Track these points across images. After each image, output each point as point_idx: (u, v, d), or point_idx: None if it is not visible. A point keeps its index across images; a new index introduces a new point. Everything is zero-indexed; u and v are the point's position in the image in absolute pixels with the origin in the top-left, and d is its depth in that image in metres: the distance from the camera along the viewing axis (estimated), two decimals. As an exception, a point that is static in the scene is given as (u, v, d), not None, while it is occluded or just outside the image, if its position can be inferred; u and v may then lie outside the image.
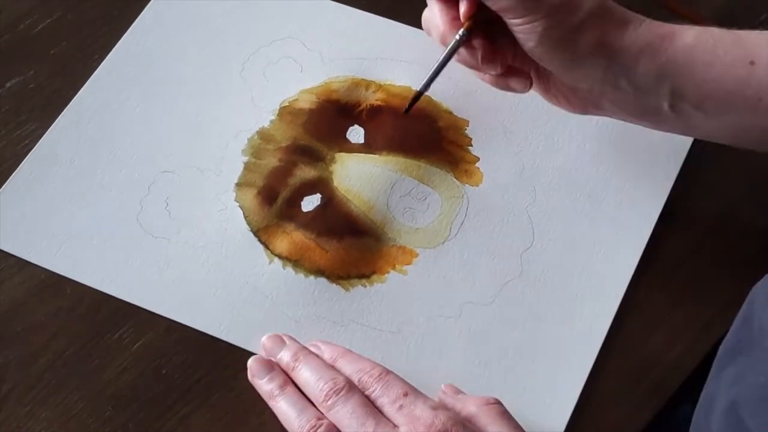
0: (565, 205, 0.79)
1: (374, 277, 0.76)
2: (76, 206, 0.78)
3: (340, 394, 0.67)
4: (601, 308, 0.74)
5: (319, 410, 0.68)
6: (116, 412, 0.71)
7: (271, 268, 0.75)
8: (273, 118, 0.82)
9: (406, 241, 0.77)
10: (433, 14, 0.75)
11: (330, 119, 0.82)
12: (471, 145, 0.81)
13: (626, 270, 0.76)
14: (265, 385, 0.70)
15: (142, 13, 0.87)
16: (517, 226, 0.78)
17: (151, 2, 0.87)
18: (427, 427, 0.65)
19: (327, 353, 0.71)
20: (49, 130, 0.81)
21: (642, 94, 0.72)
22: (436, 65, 0.74)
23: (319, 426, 0.67)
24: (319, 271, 0.75)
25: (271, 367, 0.71)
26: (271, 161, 0.80)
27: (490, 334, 0.73)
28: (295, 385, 0.70)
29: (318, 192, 0.79)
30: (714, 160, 0.81)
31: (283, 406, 0.69)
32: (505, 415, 0.68)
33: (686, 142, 0.81)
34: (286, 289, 0.75)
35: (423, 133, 0.82)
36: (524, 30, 0.71)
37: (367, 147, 0.81)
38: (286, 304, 0.74)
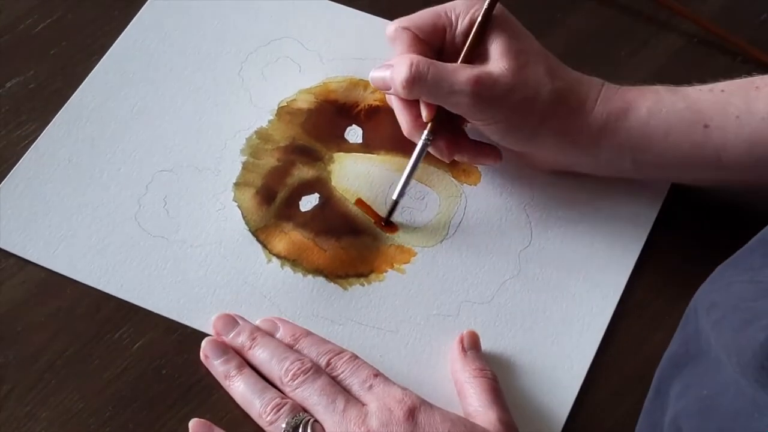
0: (563, 204, 0.79)
1: (372, 276, 0.76)
2: (74, 205, 0.78)
3: (308, 373, 0.68)
4: (600, 306, 0.75)
5: (280, 391, 0.68)
6: (116, 412, 0.71)
7: (270, 268, 0.75)
8: (271, 117, 0.82)
9: (404, 240, 0.77)
10: (397, 113, 0.78)
11: (328, 119, 0.82)
12: (469, 145, 0.81)
13: (624, 268, 0.76)
14: (219, 366, 0.70)
15: (140, 12, 0.87)
16: (515, 225, 0.78)
17: (148, 1, 0.88)
18: (396, 402, 0.66)
19: (285, 332, 0.72)
20: (46, 128, 0.81)
21: (605, 164, 0.76)
22: (407, 171, 0.76)
23: (283, 405, 0.67)
24: (317, 271, 0.75)
25: (227, 348, 0.71)
26: (270, 161, 0.80)
27: (488, 333, 0.73)
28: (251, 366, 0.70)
29: (316, 192, 0.79)
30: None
31: (241, 387, 0.69)
32: (495, 391, 0.68)
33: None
34: (284, 289, 0.75)
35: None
36: (486, 130, 0.75)
37: (366, 147, 0.81)
38: (285, 304, 0.74)
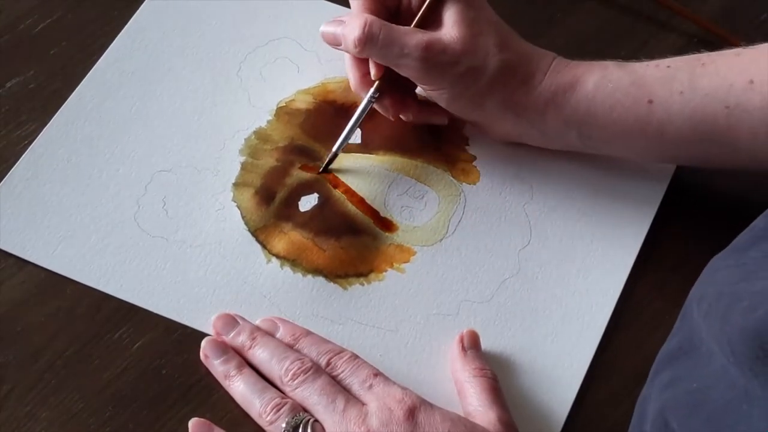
0: (562, 203, 0.79)
1: (372, 275, 0.76)
2: (73, 205, 0.78)
3: (308, 373, 0.68)
4: (599, 304, 0.75)
5: (280, 391, 0.68)
6: (116, 412, 0.70)
7: (269, 268, 0.75)
8: (270, 118, 0.82)
9: (404, 240, 0.77)
10: (347, 68, 0.80)
11: (327, 120, 0.82)
12: (468, 144, 0.81)
13: (624, 266, 0.76)
14: (220, 365, 0.70)
15: (138, 12, 0.87)
16: (515, 223, 0.78)
17: (146, 1, 0.87)
18: (396, 402, 0.66)
19: (285, 332, 0.72)
20: (45, 128, 0.81)
21: (552, 137, 0.77)
22: (349, 125, 0.78)
23: (283, 404, 0.67)
24: (316, 271, 0.75)
25: (226, 347, 0.71)
26: (269, 161, 0.80)
27: (488, 332, 0.73)
28: (251, 366, 0.70)
29: (315, 192, 0.79)
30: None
31: (241, 387, 0.69)
32: (494, 391, 0.68)
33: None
34: (284, 289, 0.75)
35: (420, 133, 0.82)
36: (433, 95, 0.76)
37: (364, 147, 0.81)
38: (284, 304, 0.74)
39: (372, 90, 0.78)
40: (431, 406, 0.66)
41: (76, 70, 0.84)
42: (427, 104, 0.79)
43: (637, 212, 0.78)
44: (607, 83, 0.74)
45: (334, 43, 0.77)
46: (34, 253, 0.76)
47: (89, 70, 0.84)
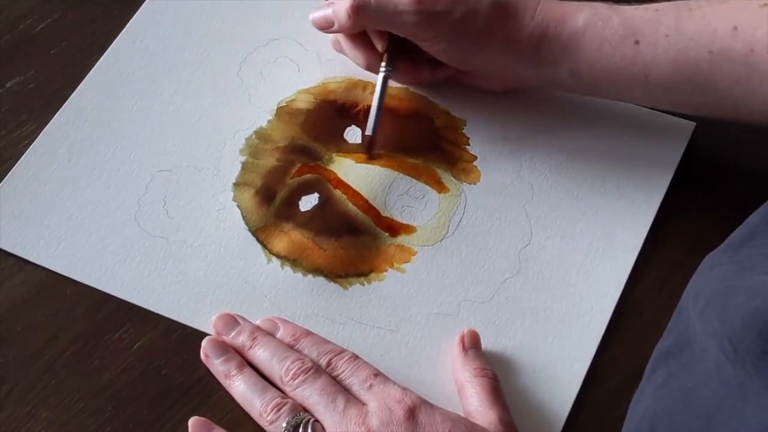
0: (562, 203, 0.79)
1: (372, 275, 0.76)
2: (74, 205, 0.78)
3: (309, 373, 0.68)
4: (599, 305, 0.75)
5: (280, 390, 0.68)
6: (116, 412, 0.70)
7: (270, 268, 0.75)
8: (270, 118, 0.82)
9: (404, 240, 0.77)
10: (349, 53, 0.81)
11: (328, 119, 0.82)
12: (468, 144, 0.81)
13: (624, 266, 0.76)
14: (220, 365, 0.70)
15: (138, 12, 0.87)
16: (515, 223, 0.78)
17: (147, 1, 0.87)
18: (397, 402, 0.66)
19: (285, 332, 0.72)
20: (46, 127, 0.81)
21: (545, 74, 0.78)
22: (375, 104, 0.79)
23: (284, 404, 0.67)
24: (317, 270, 0.75)
25: (227, 347, 0.71)
26: (269, 161, 0.80)
27: (488, 332, 0.73)
28: (251, 366, 0.70)
29: (316, 191, 0.79)
30: (712, 157, 0.81)
31: (242, 387, 0.69)
32: (495, 391, 0.68)
33: (682, 141, 0.81)
34: (284, 288, 0.75)
35: (420, 133, 0.82)
36: (435, 50, 0.78)
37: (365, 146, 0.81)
38: (285, 303, 0.74)
39: (384, 64, 0.79)
40: (431, 406, 0.66)
41: (76, 70, 0.84)
42: (437, 63, 0.80)
43: (638, 212, 0.78)
44: (596, 20, 0.75)
45: (326, 25, 0.78)
46: (35, 253, 0.76)
47: (89, 70, 0.84)
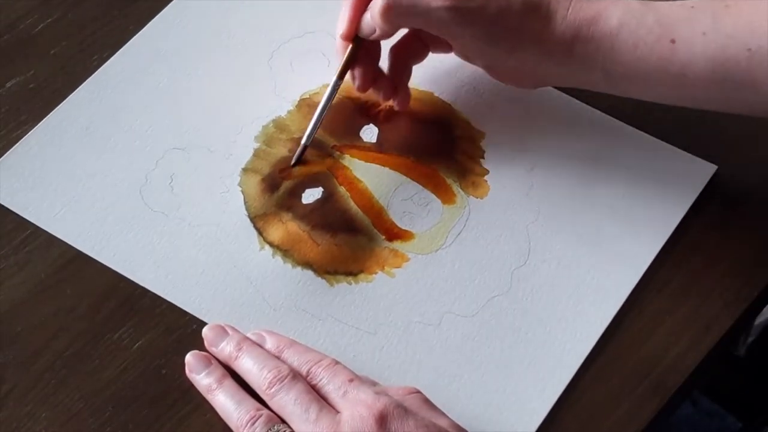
0: (566, 229, 0.77)
1: (361, 276, 0.75)
2: (83, 173, 0.79)
3: (284, 381, 0.67)
4: (584, 334, 0.73)
5: (257, 402, 0.68)
6: (116, 412, 0.70)
7: (261, 255, 0.76)
8: (291, 108, 0.83)
9: (399, 245, 0.77)
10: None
11: (347, 116, 0.82)
12: (483, 158, 0.81)
13: (616, 299, 0.74)
14: (202, 379, 0.70)
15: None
16: (514, 243, 0.77)
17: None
18: (368, 408, 0.65)
19: (271, 343, 0.71)
20: (72, 93, 0.82)
21: (578, 74, 0.77)
22: (316, 115, 0.79)
23: (258, 417, 0.67)
24: (307, 263, 0.75)
25: (209, 361, 0.71)
26: (281, 151, 0.80)
27: (466, 346, 0.73)
28: (237, 378, 0.70)
29: (321, 186, 0.79)
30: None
31: (221, 399, 0.69)
32: (429, 402, 0.68)
33: (700, 184, 0.80)
34: (271, 277, 0.75)
35: (437, 140, 0.81)
36: (470, 49, 0.77)
37: (378, 146, 0.81)
38: (269, 292, 0.74)
39: (335, 78, 0.79)
40: (406, 410, 0.65)
41: (76, 70, 0.84)
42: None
43: (640, 248, 0.76)
44: (630, 19, 0.74)
45: (369, 32, 0.78)
46: (35, 214, 0.77)
47: (89, 70, 0.84)
